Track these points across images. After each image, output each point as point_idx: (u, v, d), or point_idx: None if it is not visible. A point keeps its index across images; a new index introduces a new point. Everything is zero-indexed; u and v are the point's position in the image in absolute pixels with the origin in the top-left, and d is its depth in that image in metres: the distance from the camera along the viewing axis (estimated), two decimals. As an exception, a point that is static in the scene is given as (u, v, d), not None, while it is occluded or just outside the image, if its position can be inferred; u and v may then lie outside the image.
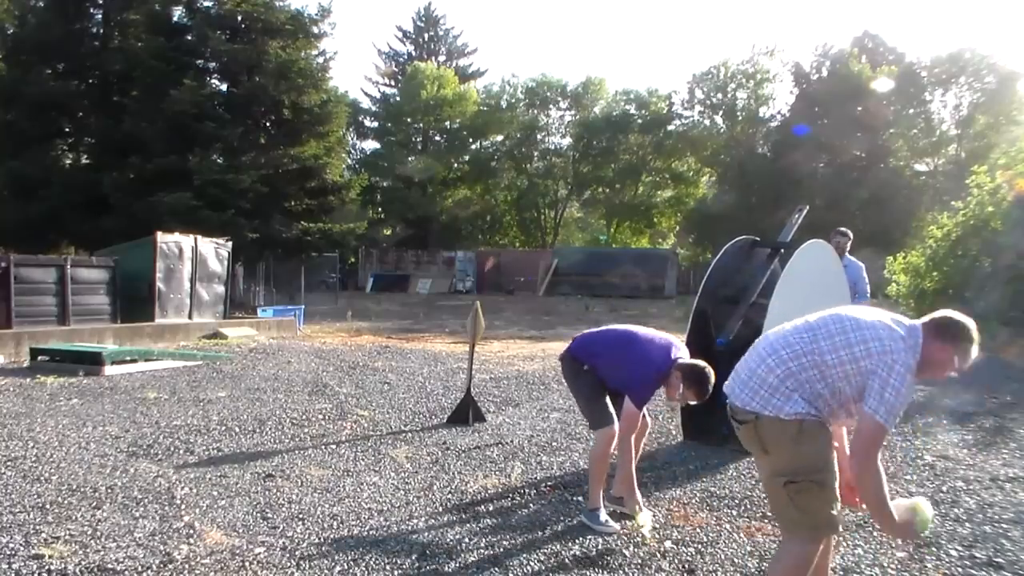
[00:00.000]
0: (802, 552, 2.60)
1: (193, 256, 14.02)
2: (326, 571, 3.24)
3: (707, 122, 40.75)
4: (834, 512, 2.59)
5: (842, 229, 7.08)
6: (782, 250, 6.45)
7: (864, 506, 2.74)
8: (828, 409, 2.61)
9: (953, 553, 3.60)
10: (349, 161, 39.98)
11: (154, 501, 4.12)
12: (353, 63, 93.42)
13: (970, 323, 2.60)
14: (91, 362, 8.65)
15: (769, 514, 4.11)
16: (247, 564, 3.30)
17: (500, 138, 43.19)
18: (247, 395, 7.46)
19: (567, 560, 3.41)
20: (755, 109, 39.57)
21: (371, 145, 45.09)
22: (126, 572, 3.19)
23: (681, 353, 3.97)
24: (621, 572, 3.31)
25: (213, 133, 21.64)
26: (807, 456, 2.56)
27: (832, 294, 6.45)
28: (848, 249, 7.00)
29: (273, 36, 23.15)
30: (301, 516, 3.92)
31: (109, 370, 8.59)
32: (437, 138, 42.60)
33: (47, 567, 3.20)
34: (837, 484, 2.61)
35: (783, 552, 2.71)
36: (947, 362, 2.57)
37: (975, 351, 2.59)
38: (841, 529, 2.72)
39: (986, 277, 14.13)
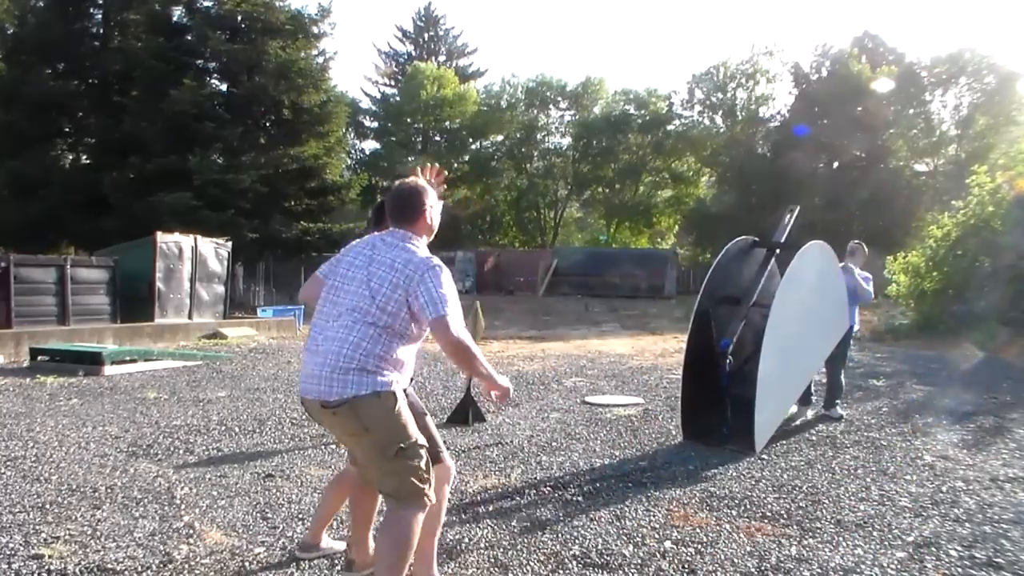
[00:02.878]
0: (418, 519, 2.72)
1: (193, 256, 14.02)
2: (326, 571, 3.24)
3: (707, 122, 40.74)
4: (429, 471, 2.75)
5: (857, 242, 7.20)
6: (777, 250, 6.47)
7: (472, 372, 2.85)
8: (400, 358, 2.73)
9: (953, 553, 3.60)
10: (349, 161, 39.99)
11: (154, 501, 4.12)
12: (353, 63, 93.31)
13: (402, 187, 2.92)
14: (91, 362, 8.66)
15: (769, 514, 4.11)
16: (247, 564, 3.30)
17: (500, 138, 43.18)
18: (247, 395, 7.46)
19: (567, 560, 3.41)
20: (755, 109, 39.57)
21: (371, 145, 45.09)
22: (126, 572, 3.19)
23: None
24: (621, 572, 3.31)
25: (213, 133, 21.65)
26: (405, 421, 2.70)
27: (832, 295, 6.47)
28: (862, 263, 7.07)
29: (273, 36, 23.16)
30: (301, 516, 3.92)
31: (109, 370, 8.59)
32: (437, 138, 42.58)
33: (47, 567, 3.20)
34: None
35: (397, 524, 2.73)
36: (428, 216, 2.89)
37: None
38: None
39: (986, 277, 14.15)
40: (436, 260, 2.75)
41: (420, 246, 2.81)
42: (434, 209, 2.92)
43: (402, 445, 2.66)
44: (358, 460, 2.99)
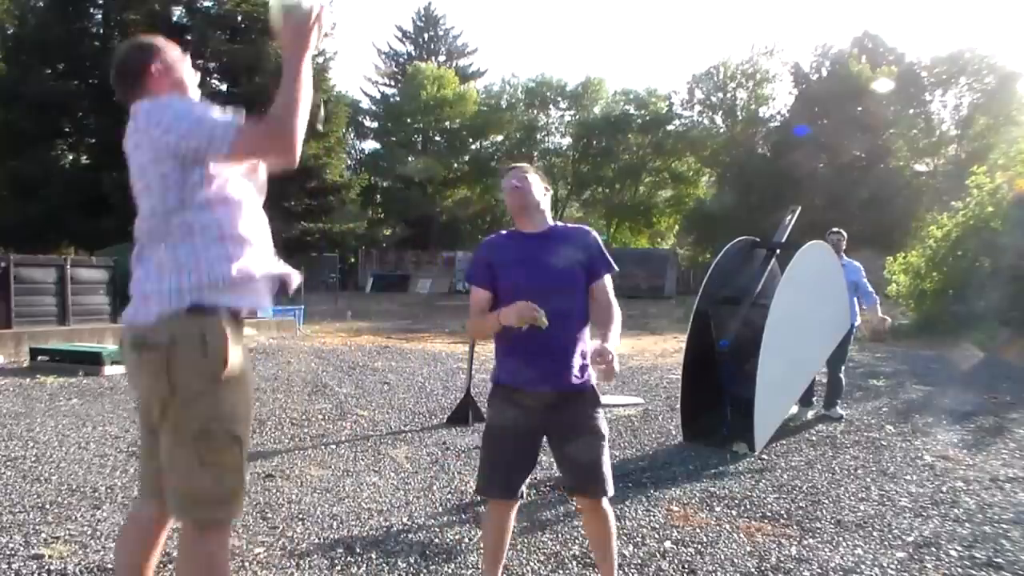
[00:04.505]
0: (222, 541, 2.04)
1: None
2: (326, 571, 3.24)
3: (707, 122, 40.78)
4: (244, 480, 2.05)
5: (835, 229, 7.07)
6: (777, 251, 6.47)
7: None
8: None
9: (953, 553, 3.60)
10: (349, 161, 40.01)
11: (154, 501, 4.11)
12: (353, 63, 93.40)
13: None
14: (91, 362, 8.65)
15: (769, 514, 4.11)
16: (247, 564, 3.30)
17: (500, 138, 43.21)
18: (247, 395, 7.45)
19: (567, 560, 3.41)
20: (755, 109, 39.60)
21: (371, 145, 45.15)
22: (126, 572, 3.19)
23: None
24: (621, 572, 3.30)
25: (213, 133, 21.64)
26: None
27: (832, 294, 6.47)
28: (843, 248, 6.99)
29: (273, 36, 23.19)
30: (301, 516, 3.92)
31: (109, 370, 8.59)
32: (437, 138, 42.61)
33: (47, 567, 3.20)
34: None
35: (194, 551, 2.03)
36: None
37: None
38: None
39: (986, 277, 14.15)
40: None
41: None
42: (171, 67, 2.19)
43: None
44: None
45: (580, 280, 2.67)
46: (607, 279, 2.72)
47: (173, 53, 2.23)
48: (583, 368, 2.67)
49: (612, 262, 2.74)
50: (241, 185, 2.10)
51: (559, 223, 2.80)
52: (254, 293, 2.09)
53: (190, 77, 2.24)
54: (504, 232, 2.85)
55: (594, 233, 2.80)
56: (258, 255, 2.07)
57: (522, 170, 2.76)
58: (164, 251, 1.98)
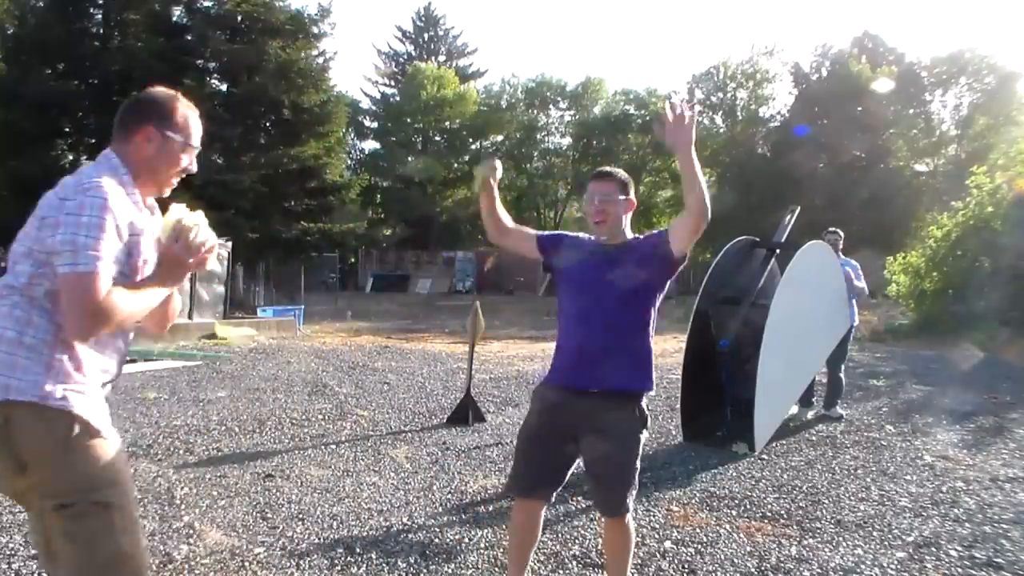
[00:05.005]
0: None
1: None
2: (326, 571, 3.24)
3: (707, 122, 40.74)
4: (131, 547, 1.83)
5: (832, 229, 7.06)
6: (777, 250, 6.47)
7: None
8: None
9: (953, 553, 3.60)
10: (349, 161, 39.99)
11: (154, 501, 4.11)
12: (353, 63, 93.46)
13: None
14: (91, 362, 8.65)
15: (769, 514, 4.11)
16: (247, 564, 3.30)
17: (500, 138, 43.18)
18: (247, 395, 7.46)
19: (567, 560, 3.41)
20: (755, 109, 39.58)
21: (371, 145, 45.12)
22: (126, 572, 3.19)
23: None
24: (621, 572, 3.30)
25: (213, 133, 21.62)
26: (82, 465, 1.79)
27: (832, 294, 6.47)
28: (841, 248, 7.00)
29: (273, 36, 23.15)
30: (301, 516, 3.92)
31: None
32: (437, 138, 42.61)
33: (47, 567, 3.20)
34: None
35: None
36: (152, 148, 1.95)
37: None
38: None
39: (986, 277, 14.15)
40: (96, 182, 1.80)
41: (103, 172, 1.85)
42: (169, 141, 1.96)
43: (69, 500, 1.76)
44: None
45: (638, 297, 2.68)
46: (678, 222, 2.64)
47: (190, 129, 2.00)
48: (628, 375, 2.67)
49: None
50: None
51: (637, 235, 2.82)
52: None
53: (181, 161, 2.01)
54: (585, 236, 2.89)
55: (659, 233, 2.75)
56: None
57: (607, 187, 2.75)
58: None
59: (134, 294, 1.81)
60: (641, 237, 2.78)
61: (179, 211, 1.95)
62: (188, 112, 2.00)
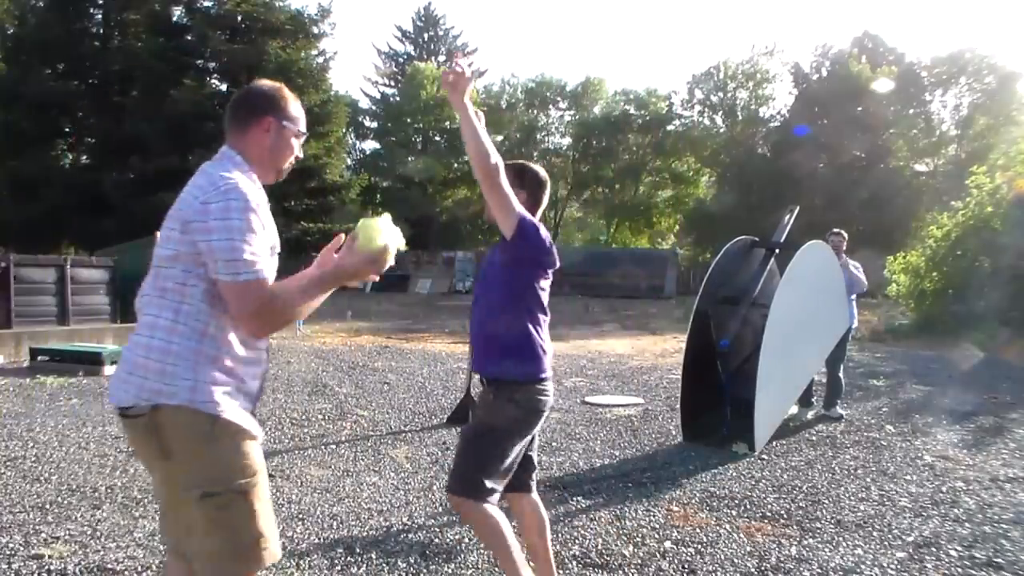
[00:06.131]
0: None
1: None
2: (326, 571, 3.24)
3: (707, 122, 40.77)
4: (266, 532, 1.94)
5: (836, 230, 7.11)
6: (776, 250, 6.47)
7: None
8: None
9: (953, 553, 3.60)
10: (349, 161, 40.01)
11: (154, 501, 4.11)
12: (353, 63, 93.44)
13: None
14: (91, 362, 8.65)
15: (769, 514, 4.11)
16: (247, 564, 3.30)
17: (500, 138, 43.12)
18: (247, 395, 7.45)
19: (567, 560, 3.41)
20: (755, 109, 39.58)
21: (371, 145, 45.12)
22: (126, 572, 3.19)
23: None
24: (621, 572, 3.31)
25: (213, 133, 21.59)
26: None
27: (831, 294, 6.47)
28: (844, 249, 7.04)
29: (273, 36, 23.19)
30: (301, 516, 3.92)
31: (109, 370, 8.58)
32: (437, 138, 42.59)
33: (47, 567, 3.20)
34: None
35: None
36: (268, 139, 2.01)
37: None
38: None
39: (986, 277, 14.15)
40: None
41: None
42: (284, 130, 2.03)
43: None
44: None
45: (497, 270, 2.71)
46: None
47: (295, 116, 2.07)
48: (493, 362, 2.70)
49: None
50: None
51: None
52: None
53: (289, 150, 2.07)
54: None
55: None
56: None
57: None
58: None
59: (303, 294, 1.94)
60: None
61: (388, 231, 1.99)
62: (295, 102, 2.08)
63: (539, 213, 2.81)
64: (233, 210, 1.81)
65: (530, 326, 2.68)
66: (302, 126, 2.09)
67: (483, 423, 2.71)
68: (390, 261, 1.99)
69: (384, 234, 1.98)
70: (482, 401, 2.77)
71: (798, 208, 6.98)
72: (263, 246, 1.85)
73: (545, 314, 2.77)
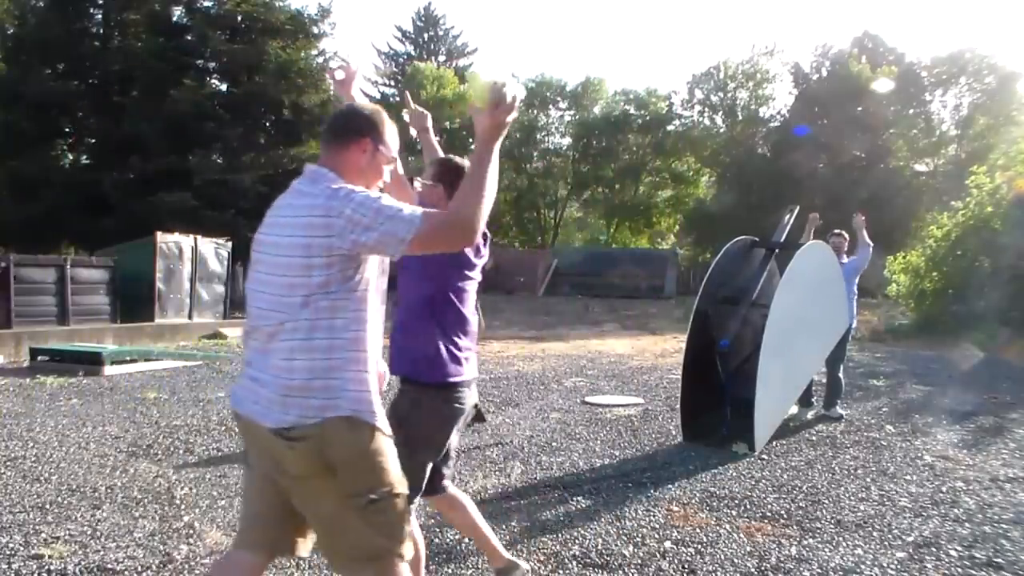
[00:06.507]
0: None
1: (193, 256, 14.02)
2: (326, 571, 3.24)
3: (707, 122, 40.73)
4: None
5: (837, 231, 7.13)
6: (776, 250, 6.48)
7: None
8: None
9: (953, 553, 3.60)
10: (349, 161, 39.95)
11: (154, 501, 4.11)
12: (353, 63, 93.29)
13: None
14: (91, 362, 8.65)
15: (769, 514, 4.11)
16: (247, 564, 3.30)
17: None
18: (247, 395, 7.45)
19: (567, 560, 3.41)
20: (755, 109, 39.56)
21: (371, 145, 45.07)
22: (126, 572, 3.19)
23: None
24: (621, 572, 3.31)
25: (213, 133, 21.68)
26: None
27: (831, 294, 6.47)
28: (845, 250, 7.06)
29: (273, 36, 23.18)
30: (301, 516, 3.92)
31: (109, 370, 8.59)
32: (437, 138, 42.59)
33: (47, 567, 3.20)
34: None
35: None
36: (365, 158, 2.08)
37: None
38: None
39: (986, 277, 14.15)
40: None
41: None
42: (379, 154, 2.09)
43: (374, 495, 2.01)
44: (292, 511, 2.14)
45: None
46: None
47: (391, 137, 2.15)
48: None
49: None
50: None
51: None
52: None
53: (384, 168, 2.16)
54: None
55: None
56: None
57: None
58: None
59: (473, 184, 1.92)
60: None
61: (486, 75, 1.98)
62: (392, 127, 2.15)
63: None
64: (362, 197, 1.91)
65: (443, 330, 2.63)
66: (395, 152, 2.16)
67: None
68: (512, 91, 1.96)
69: (483, 77, 1.99)
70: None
71: (798, 208, 6.99)
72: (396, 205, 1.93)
73: (470, 316, 2.69)
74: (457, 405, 2.65)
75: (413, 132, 2.65)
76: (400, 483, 2.06)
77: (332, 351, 1.94)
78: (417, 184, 2.72)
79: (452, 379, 2.61)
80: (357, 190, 1.94)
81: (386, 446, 2.03)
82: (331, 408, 1.93)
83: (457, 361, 2.63)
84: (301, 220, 1.94)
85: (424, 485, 2.66)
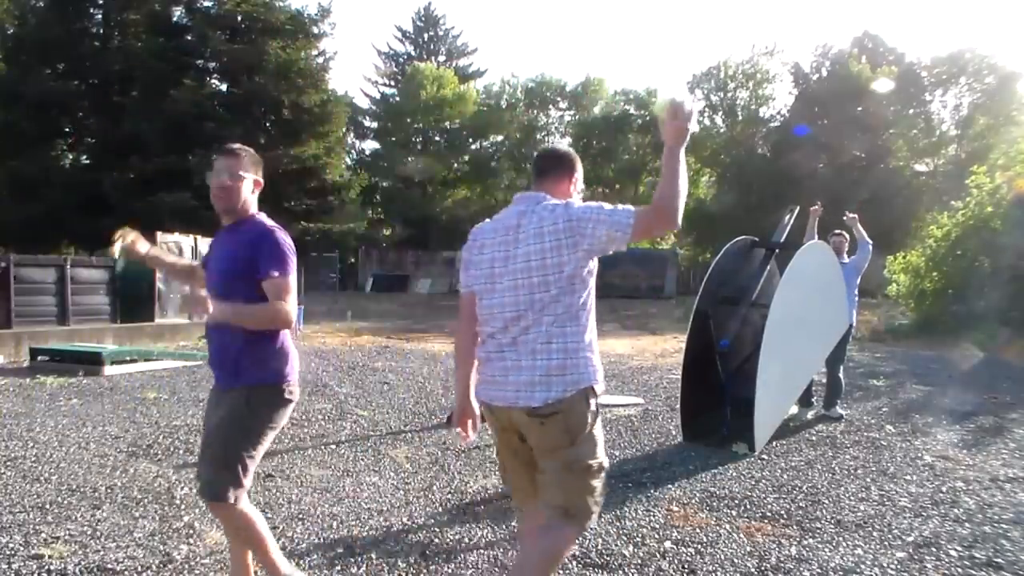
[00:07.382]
0: (574, 536, 2.58)
1: (193, 256, 14.02)
2: (326, 571, 3.24)
3: (707, 122, 40.74)
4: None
5: (838, 231, 7.13)
6: (776, 250, 6.47)
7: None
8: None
9: (953, 553, 3.60)
10: (349, 161, 39.99)
11: (154, 501, 4.11)
12: (353, 63, 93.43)
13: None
14: (91, 362, 8.65)
15: (769, 514, 4.11)
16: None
17: (500, 138, 43.18)
18: (247, 395, 7.45)
19: (567, 560, 3.41)
20: (755, 109, 39.58)
21: (371, 145, 45.10)
22: (126, 572, 3.19)
23: None
24: (621, 572, 3.31)
25: (213, 133, 21.66)
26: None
27: (831, 294, 6.47)
28: (845, 250, 7.06)
29: (273, 36, 23.19)
30: (301, 516, 3.92)
31: (109, 370, 8.59)
32: (437, 138, 42.59)
33: (47, 567, 3.20)
34: None
35: (556, 540, 2.45)
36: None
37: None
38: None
39: (986, 277, 14.16)
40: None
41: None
42: (575, 188, 2.60)
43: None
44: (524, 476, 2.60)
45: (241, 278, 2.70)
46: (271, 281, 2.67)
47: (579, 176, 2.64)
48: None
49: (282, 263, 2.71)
50: None
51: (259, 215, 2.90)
52: None
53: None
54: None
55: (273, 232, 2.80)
56: None
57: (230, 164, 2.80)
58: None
59: (669, 177, 2.28)
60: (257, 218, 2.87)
61: (666, 93, 2.31)
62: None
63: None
64: (587, 206, 2.37)
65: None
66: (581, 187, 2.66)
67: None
68: (688, 105, 2.28)
69: (663, 96, 2.52)
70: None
71: (798, 208, 6.99)
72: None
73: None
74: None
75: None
76: (605, 459, 2.52)
77: (580, 336, 2.37)
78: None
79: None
80: (577, 202, 2.43)
81: (600, 416, 2.50)
82: (583, 381, 2.36)
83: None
84: (546, 229, 2.36)
85: None
